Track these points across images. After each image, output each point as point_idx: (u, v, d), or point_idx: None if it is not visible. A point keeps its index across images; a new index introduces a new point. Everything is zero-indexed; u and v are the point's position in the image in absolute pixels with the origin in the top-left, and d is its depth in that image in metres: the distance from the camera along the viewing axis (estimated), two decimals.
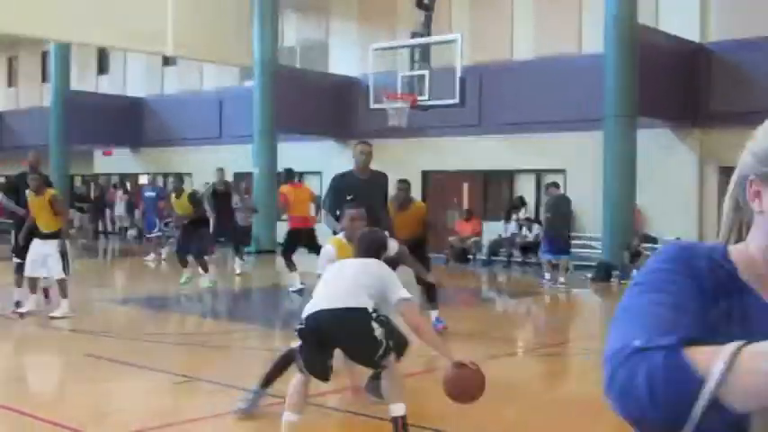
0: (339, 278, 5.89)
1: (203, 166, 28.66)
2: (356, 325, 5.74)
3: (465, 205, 22.95)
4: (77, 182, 33.75)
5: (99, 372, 8.34)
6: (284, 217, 15.70)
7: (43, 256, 11.24)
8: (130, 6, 20.28)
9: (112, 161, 32.60)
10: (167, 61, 30.55)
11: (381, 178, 8.82)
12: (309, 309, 5.77)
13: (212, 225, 16.30)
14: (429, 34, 18.17)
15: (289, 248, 14.65)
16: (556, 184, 18.11)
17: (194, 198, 15.87)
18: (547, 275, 17.10)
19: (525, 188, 22.56)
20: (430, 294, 10.56)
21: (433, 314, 10.46)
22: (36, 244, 11.28)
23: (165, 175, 31.37)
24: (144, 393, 7.66)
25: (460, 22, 23.15)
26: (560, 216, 17.30)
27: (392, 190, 10.56)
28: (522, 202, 21.76)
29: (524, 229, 20.75)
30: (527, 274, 19.57)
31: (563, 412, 7.12)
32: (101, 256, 24.17)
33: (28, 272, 11.32)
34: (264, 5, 22.91)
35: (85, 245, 26.41)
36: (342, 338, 5.76)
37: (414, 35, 18.63)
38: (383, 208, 8.82)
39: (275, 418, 6.64)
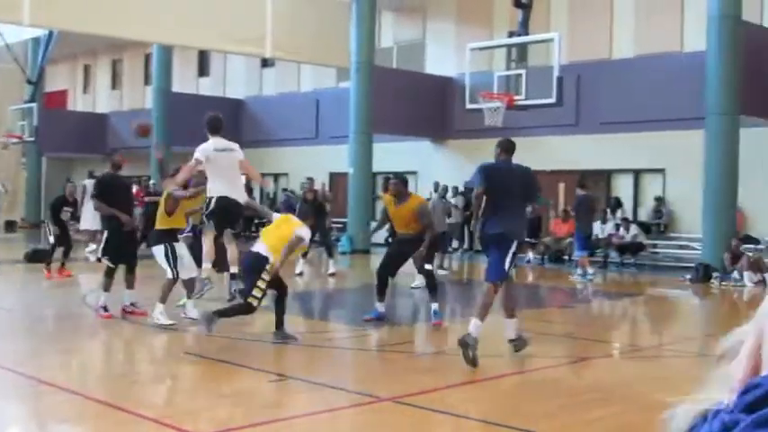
0: None
1: (300, 166, 29.06)
2: None
3: (561, 205, 22.66)
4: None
5: (197, 370, 8.53)
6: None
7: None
8: (231, 10, 20.69)
9: None
10: (266, 63, 31.04)
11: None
12: None
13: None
14: (527, 33, 18.04)
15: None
16: (583, 184, 18.37)
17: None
18: (579, 270, 17.61)
19: (623, 188, 22.18)
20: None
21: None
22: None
23: (263, 175, 31.85)
24: (240, 392, 7.79)
25: (559, 20, 22.92)
26: (584, 214, 17.79)
27: None
28: (618, 203, 21.41)
29: (621, 229, 20.40)
30: (624, 274, 19.26)
31: (657, 416, 6.98)
32: None
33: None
34: (362, 7, 23.06)
35: None
36: None
37: (511, 34, 18.52)
38: None
39: (367, 416, 6.70)
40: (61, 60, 39.36)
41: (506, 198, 8.88)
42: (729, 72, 17.19)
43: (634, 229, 20.18)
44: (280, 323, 9.71)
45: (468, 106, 18.64)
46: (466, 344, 8.23)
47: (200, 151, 10.59)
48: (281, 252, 9.29)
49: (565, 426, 6.55)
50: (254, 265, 9.32)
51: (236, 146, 11.01)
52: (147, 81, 35.67)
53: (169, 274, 10.78)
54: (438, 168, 25.65)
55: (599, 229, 20.66)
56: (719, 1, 17.25)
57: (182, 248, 11.19)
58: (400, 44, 28.12)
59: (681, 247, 20.27)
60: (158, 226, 11.10)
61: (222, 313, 9.35)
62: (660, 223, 21.00)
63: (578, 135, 22.43)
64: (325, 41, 22.60)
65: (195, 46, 26.71)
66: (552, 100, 16.98)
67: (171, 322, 10.60)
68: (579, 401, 7.36)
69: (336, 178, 26.99)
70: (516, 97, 17.62)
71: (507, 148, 9.49)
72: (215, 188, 10.29)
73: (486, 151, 23.82)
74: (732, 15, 17.24)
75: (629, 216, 21.15)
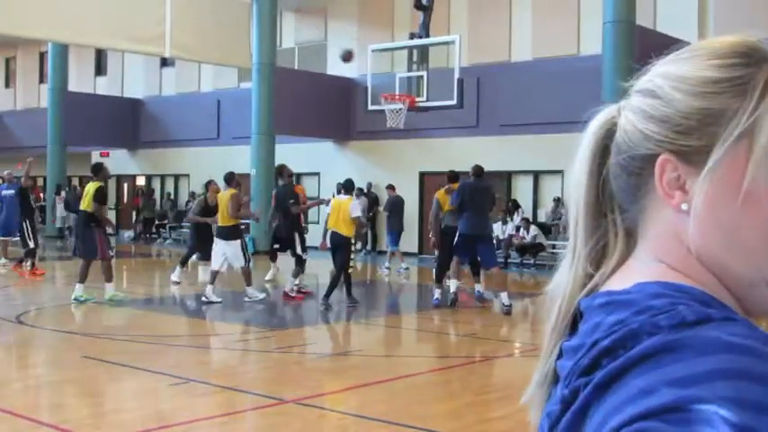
0: None
1: (201, 167, 28.69)
2: None
3: None
4: (75, 183, 33.66)
5: (95, 373, 8.33)
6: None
7: None
8: (129, 8, 20.31)
9: (110, 162, 32.54)
10: (165, 62, 30.54)
11: None
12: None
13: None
14: (427, 36, 18.17)
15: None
16: (392, 187, 20.83)
17: None
18: (387, 263, 19.57)
19: (523, 189, 22.55)
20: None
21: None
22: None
23: (163, 177, 31.40)
24: (141, 395, 7.64)
25: (459, 23, 23.15)
26: (397, 213, 20.23)
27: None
28: (516, 205, 21.70)
29: (522, 230, 20.72)
30: (525, 274, 19.57)
31: None
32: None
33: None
34: (263, 7, 22.89)
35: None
36: None
37: (412, 36, 18.63)
38: None
39: (270, 419, 6.64)
40: None
41: (479, 206, 12.58)
42: (624, 75, 17.51)
43: (534, 229, 20.51)
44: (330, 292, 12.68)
45: (371, 107, 18.71)
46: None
47: None
48: (351, 229, 12.65)
49: (469, 425, 6.60)
50: (343, 243, 12.46)
51: None
52: (42, 79, 34.69)
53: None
54: (341, 169, 25.62)
55: (499, 230, 20.95)
56: (614, 6, 17.68)
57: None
58: (302, 45, 27.99)
59: None
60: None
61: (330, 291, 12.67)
62: (559, 224, 21.40)
63: (479, 137, 22.69)
64: (225, 42, 22.38)
65: (91, 44, 26.09)
66: (453, 102, 17.15)
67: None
68: (483, 400, 7.45)
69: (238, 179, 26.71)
70: (418, 99, 17.74)
71: (477, 171, 13.18)
72: None
73: (388, 153, 24.06)
74: (626, 20, 17.68)
75: (529, 217, 21.49)
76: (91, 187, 13.34)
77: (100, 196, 13.19)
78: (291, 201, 14.19)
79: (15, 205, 17.69)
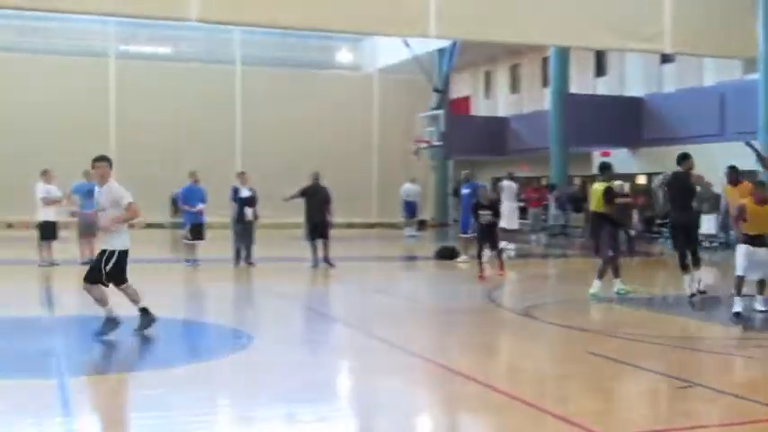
0: None
1: (703, 163, 27.83)
2: None
3: None
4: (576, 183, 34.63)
5: (602, 370, 8.52)
6: None
7: None
8: (627, 8, 20.49)
9: (611, 161, 32.90)
10: (665, 59, 30.18)
11: None
12: None
13: None
14: None
15: None
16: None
17: None
18: None
19: None
20: None
21: None
22: None
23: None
24: (645, 395, 7.68)
25: None
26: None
27: None
28: None
29: None
30: None
31: None
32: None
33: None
34: None
35: (584, 243, 27.08)
36: None
37: None
38: None
39: None
40: (463, 68, 41.08)
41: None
42: None
43: None
44: None
45: None
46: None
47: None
48: None
49: None
50: None
51: None
52: (545, 83, 36.20)
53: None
54: None
55: None
56: None
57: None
58: None
59: None
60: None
61: None
62: None
63: None
64: (727, 32, 21.60)
65: (592, 47, 26.71)
66: None
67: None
68: None
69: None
70: None
71: None
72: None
73: None
74: None
75: None
76: (599, 187, 13.87)
77: (607, 196, 13.67)
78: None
79: (470, 205, 18.58)
